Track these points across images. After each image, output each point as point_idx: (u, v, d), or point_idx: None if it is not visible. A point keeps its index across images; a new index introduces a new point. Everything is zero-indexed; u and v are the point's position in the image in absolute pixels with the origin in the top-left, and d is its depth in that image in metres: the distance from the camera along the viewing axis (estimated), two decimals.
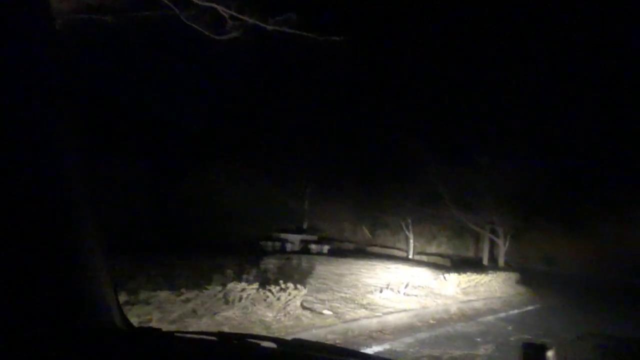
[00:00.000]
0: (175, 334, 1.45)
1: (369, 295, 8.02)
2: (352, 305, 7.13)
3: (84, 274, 1.14)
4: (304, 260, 13.32)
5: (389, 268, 13.42)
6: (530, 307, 9.92)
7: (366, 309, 6.99)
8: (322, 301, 7.18)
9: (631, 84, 19.85)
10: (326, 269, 11.59)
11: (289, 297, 6.05)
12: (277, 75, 22.76)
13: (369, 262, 14.90)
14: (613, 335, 1.80)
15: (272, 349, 1.31)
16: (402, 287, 8.71)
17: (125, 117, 18.52)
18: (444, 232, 27.36)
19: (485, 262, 16.93)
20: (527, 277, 15.09)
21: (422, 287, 9.79)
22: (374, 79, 23.93)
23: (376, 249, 24.53)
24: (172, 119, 23.58)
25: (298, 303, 6.21)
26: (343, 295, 7.94)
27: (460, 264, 16.23)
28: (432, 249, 27.63)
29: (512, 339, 6.58)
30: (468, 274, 10.28)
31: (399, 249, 24.64)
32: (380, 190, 23.61)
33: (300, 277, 9.02)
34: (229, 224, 20.86)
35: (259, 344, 1.33)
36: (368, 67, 21.92)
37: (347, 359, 1.33)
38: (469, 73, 18.39)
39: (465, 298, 9.31)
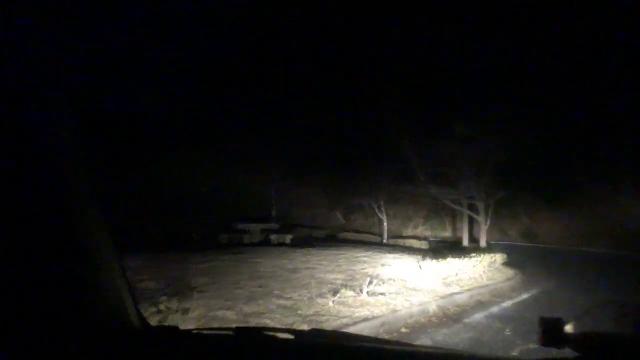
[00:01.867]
0: (193, 331, 1.45)
1: (320, 301, 5.98)
2: (291, 320, 5.08)
3: (98, 273, 1.12)
4: (254, 254, 11.24)
5: (357, 257, 11.47)
6: (525, 296, 8.10)
7: (310, 323, 4.95)
8: (247, 316, 5.10)
9: (615, 61, 18.39)
10: (277, 265, 9.54)
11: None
12: (243, 58, 20.56)
13: (336, 252, 12.95)
14: (632, 303, 1.09)
15: (290, 340, 1.35)
16: (366, 284, 6.72)
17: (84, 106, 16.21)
18: (421, 212, 25.68)
19: (465, 242, 15.20)
20: (512, 256, 13.53)
21: (394, 280, 7.84)
22: (343, 54, 21.84)
23: (349, 235, 22.65)
24: (133, 108, 21.65)
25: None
26: (284, 303, 5.88)
27: (439, 247, 14.52)
28: (409, 231, 25.98)
29: (516, 350, 4.70)
30: (448, 260, 8.39)
31: (373, 233, 22.81)
32: (354, 171, 21.76)
33: (221, 284, 6.97)
34: (192, 216, 18.67)
35: (276, 336, 1.37)
36: (336, 42, 19.77)
37: (365, 345, 1.41)
38: (446, 40, 16.31)
39: (447, 291, 7.40)
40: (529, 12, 15.53)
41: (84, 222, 1.08)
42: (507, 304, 7.35)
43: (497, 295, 7.97)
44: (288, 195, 24.21)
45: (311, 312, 5.45)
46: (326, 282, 7.55)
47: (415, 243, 18.09)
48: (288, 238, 16.99)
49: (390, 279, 7.87)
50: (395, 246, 17.17)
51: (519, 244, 21.39)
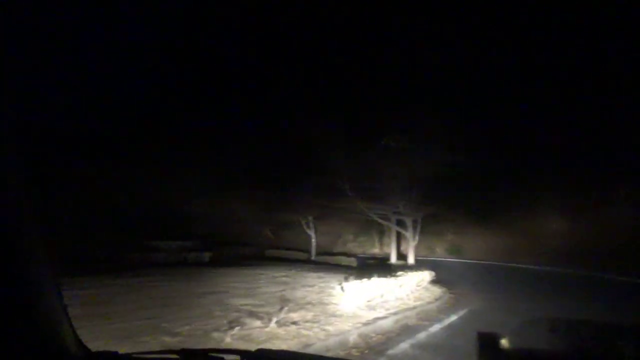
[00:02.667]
0: (133, 355, 1.38)
1: (216, 335, 4.85)
2: None
3: (34, 296, 1.05)
4: (160, 276, 9.79)
5: (277, 278, 10.40)
6: (453, 317, 7.49)
7: None
8: None
9: (542, 82, 19.28)
10: (180, 289, 8.23)
11: None
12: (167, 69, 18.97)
13: (256, 271, 11.80)
14: (562, 318, 1.37)
15: None
16: (280, 311, 5.69)
17: None
18: (351, 228, 25.20)
19: (393, 259, 14.70)
20: (438, 272, 13.21)
21: (312, 304, 6.89)
22: (272, 64, 20.92)
23: (277, 252, 21.45)
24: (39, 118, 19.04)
25: None
26: (168, 340, 4.66)
27: (367, 265, 13.88)
28: (338, 247, 25.35)
29: None
30: (373, 279, 7.59)
31: (302, 250, 21.82)
32: (284, 186, 20.73)
33: (97, 316, 5.64)
34: (102, 233, 16.51)
35: (222, 358, 1.34)
36: (263, 48, 18.84)
37: None
38: (377, 49, 15.91)
39: (371, 315, 6.56)
40: (461, 24, 15.74)
41: (22, 244, 1.02)
42: (436, 328, 6.65)
43: (425, 318, 7.28)
44: (216, 210, 22.65)
45: None
46: (233, 308, 6.41)
47: (343, 260, 17.37)
48: (206, 256, 15.55)
49: (308, 303, 6.91)
50: (322, 264, 16.32)
51: (446, 259, 21.49)
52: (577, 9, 16.37)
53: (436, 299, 8.67)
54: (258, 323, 5.36)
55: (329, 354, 4.94)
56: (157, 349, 4.42)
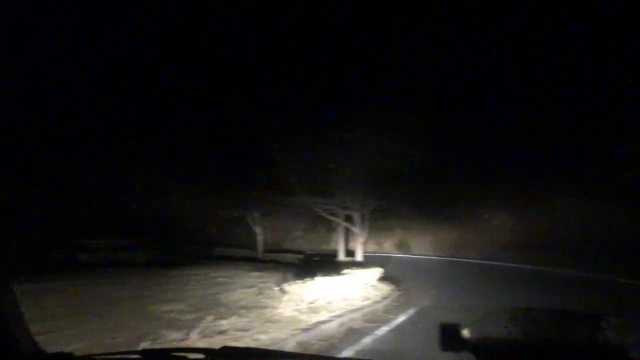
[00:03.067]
0: (92, 357, 1.31)
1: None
2: None
3: None
4: (77, 279, 8.66)
5: (214, 278, 9.52)
6: (402, 318, 6.98)
7: None
8: None
9: (495, 79, 19.32)
10: (96, 293, 7.20)
11: None
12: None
13: (194, 271, 10.85)
14: (521, 307, 2.01)
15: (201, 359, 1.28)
16: (206, 319, 4.90)
17: None
18: (300, 224, 24.52)
19: (341, 256, 14.18)
20: (387, 268, 12.84)
21: (247, 308, 6.14)
22: (220, 52, 19.65)
23: (225, 250, 20.35)
24: None
25: None
26: None
27: (314, 262, 13.28)
28: (287, 244, 24.61)
29: None
30: (317, 278, 6.95)
31: (250, 247, 20.90)
32: (231, 181, 19.59)
33: None
34: (34, 232, 14.75)
35: (186, 357, 1.29)
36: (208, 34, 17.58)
37: None
38: (326, 35, 15.09)
39: (312, 319, 5.89)
40: (418, 14, 15.30)
41: None
42: (383, 330, 6.09)
43: (372, 320, 6.71)
44: (162, 207, 21.11)
45: None
46: (152, 317, 5.53)
47: (290, 257, 16.67)
48: (144, 256, 14.34)
49: (242, 307, 6.15)
50: (268, 262, 15.53)
51: (394, 255, 21.35)
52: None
53: (384, 298, 8.16)
54: (176, 335, 4.54)
55: None
56: None
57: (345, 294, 7.62)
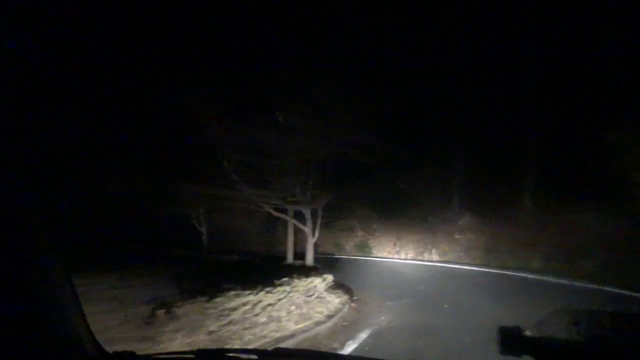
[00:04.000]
0: (153, 356, 1.35)
1: None
2: None
3: (47, 296, 1.03)
4: None
5: (103, 291, 7.35)
6: (351, 347, 5.12)
7: None
8: None
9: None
10: None
11: None
12: None
13: (96, 280, 8.58)
14: (584, 309, 1.35)
15: None
16: None
17: None
18: (254, 223, 22.34)
19: (290, 259, 12.23)
20: (342, 272, 11.10)
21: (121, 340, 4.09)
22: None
23: (165, 252, 17.97)
24: None
25: None
26: None
27: (251, 267, 11.37)
28: (239, 245, 22.40)
29: None
30: (231, 293, 4.98)
31: (195, 248, 18.71)
32: (169, 174, 17.18)
33: None
34: None
35: (239, 357, 1.32)
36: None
37: None
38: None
39: None
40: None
41: (33, 245, 0.99)
42: None
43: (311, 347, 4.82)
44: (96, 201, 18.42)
45: None
46: None
47: (233, 259, 14.61)
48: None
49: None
50: (211, 264, 13.39)
51: (354, 257, 19.68)
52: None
53: (330, 316, 6.29)
54: None
55: None
56: None
57: (279, 312, 5.70)
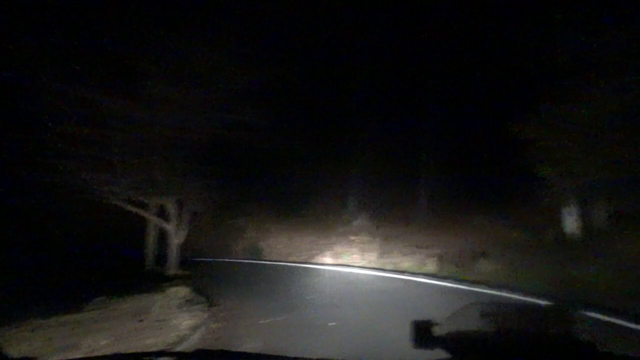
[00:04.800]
0: None
1: None
2: None
3: None
4: None
5: None
6: None
7: None
8: None
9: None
10: None
11: None
12: None
13: None
14: (494, 302, 1.48)
15: None
16: None
17: None
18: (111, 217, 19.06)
19: (150, 264, 9.77)
20: (216, 280, 9.05)
21: None
22: None
23: None
24: None
25: None
26: None
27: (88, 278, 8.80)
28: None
29: None
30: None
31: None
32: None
33: None
34: None
35: None
36: None
37: None
38: None
39: None
40: None
41: None
42: None
43: None
44: None
45: None
46: None
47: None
48: None
49: None
50: None
51: (241, 261, 17.66)
52: None
53: (163, 352, 4.24)
54: None
55: None
56: None
57: (92, 344, 3.51)
